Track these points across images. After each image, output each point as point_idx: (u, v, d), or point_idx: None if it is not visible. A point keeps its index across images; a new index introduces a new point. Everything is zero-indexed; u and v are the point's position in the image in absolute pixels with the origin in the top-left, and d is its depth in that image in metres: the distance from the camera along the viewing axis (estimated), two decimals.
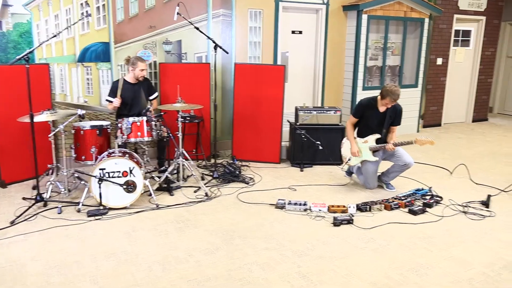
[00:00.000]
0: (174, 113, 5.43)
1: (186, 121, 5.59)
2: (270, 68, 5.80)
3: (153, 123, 4.53)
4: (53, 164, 4.53)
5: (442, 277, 3.11)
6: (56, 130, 4.34)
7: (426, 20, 7.75)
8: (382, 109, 4.74)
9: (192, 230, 3.81)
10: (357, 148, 4.83)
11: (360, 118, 4.86)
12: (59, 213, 4.06)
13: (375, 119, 4.80)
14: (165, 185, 4.69)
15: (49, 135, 4.35)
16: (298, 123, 5.88)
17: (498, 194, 4.87)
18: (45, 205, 4.22)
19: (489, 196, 4.66)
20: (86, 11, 5.28)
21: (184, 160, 4.85)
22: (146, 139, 4.49)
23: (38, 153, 5.03)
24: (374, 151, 4.85)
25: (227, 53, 5.34)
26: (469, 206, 4.46)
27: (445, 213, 4.29)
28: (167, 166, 5.12)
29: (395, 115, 4.80)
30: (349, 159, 4.98)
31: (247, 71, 5.81)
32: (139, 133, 4.46)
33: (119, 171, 4.14)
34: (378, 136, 4.83)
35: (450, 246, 3.60)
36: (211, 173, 5.24)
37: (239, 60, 6.32)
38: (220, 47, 5.09)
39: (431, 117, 8.73)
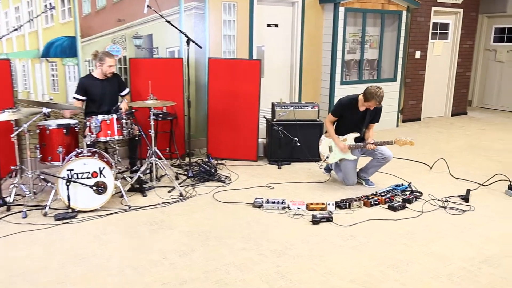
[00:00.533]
0: (146, 111, 5.39)
1: (159, 119, 5.55)
2: (245, 63, 5.81)
3: (124, 121, 4.48)
4: (17, 165, 4.43)
5: (422, 273, 3.18)
6: (20, 130, 4.25)
7: (404, 13, 7.89)
8: (362, 108, 4.81)
9: (167, 231, 3.79)
10: (343, 144, 4.88)
11: (339, 117, 4.93)
12: (24, 218, 3.98)
13: (355, 119, 4.87)
14: (138, 186, 4.65)
15: (12, 135, 4.25)
16: (275, 119, 5.91)
17: (477, 188, 5.00)
18: (8, 209, 4.13)
19: (468, 190, 4.77)
20: (50, 3, 5.18)
21: (157, 159, 4.82)
22: (116, 137, 4.44)
23: (0, 154, 4.91)
24: (353, 149, 4.92)
25: (200, 47, 5.32)
26: (449, 201, 4.57)
27: (425, 208, 4.38)
28: (139, 166, 5.08)
29: (375, 113, 4.88)
30: (327, 157, 5.03)
31: (221, 66, 5.81)
32: (109, 132, 4.41)
33: (89, 172, 4.08)
34: (357, 134, 4.91)
35: (430, 241, 3.69)
36: (186, 173, 5.23)
37: (213, 54, 6.31)
38: (193, 41, 5.06)
39: (410, 112, 8.89)
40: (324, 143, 5.08)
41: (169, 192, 4.70)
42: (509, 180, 5.00)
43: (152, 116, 4.72)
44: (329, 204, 4.31)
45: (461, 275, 3.17)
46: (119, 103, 4.55)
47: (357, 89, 7.53)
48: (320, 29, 7.33)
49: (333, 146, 4.98)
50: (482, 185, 5.10)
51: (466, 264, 3.33)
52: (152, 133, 4.73)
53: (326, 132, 5.06)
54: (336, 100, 7.31)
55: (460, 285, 3.03)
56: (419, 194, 4.70)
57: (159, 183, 4.94)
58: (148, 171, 4.96)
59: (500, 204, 4.56)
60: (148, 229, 3.83)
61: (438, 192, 4.83)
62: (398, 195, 4.66)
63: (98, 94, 4.93)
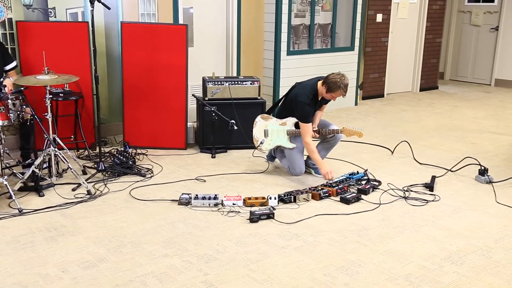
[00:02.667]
0: (42, 89, 5.25)
1: (59, 99, 5.44)
2: (168, 29, 5.77)
3: (10, 102, 4.36)
4: None
5: (375, 275, 3.34)
6: None
7: None
8: (320, 97, 4.94)
9: (69, 239, 3.75)
10: (329, 168, 4.86)
11: (287, 104, 5.03)
12: None
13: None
14: (32, 184, 4.57)
15: None
16: (206, 98, 5.93)
17: (445, 174, 5.27)
18: None
19: (433, 177, 5.03)
20: None
21: (58, 150, 4.73)
22: (0, 123, 4.32)
23: None
24: (293, 136, 5.05)
25: (109, 8, 5.22)
26: (411, 190, 4.79)
27: (383, 199, 4.58)
28: (34, 158, 4.96)
29: None
30: (261, 143, 5.14)
31: (138, 32, 5.75)
32: None
33: None
34: None
35: (387, 238, 3.86)
36: (96, 165, 5.17)
37: (127, 18, 6.22)
38: (99, 1, 4.98)
39: (371, 87, 9.18)
40: (259, 125, 5.16)
41: (73, 190, 4.66)
42: (480, 164, 5.29)
43: (48, 96, 4.62)
44: (270, 198, 4.40)
45: (420, 275, 3.35)
46: (1, 79, 4.42)
47: (307, 61, 7.69)
48: None
49: (270, 130, 5.08)
50: (450, 170, 5.37)
51: (427, 262, 3.52)
52: (49, 116, 4.63)
53: (265, 112, 5.15)
54: (282, 74, 7.42)
55: (418, 287, 3.21)
56: (376, 184, 4.89)
57: (61, 179, 4.87)
58: (45, 165, 4.86)
59: (468, 192, 4.83)
60: (45, 237, 3.78)
61: (399, 181, 5.05)
62: (353, 185, 4.83)
63: None
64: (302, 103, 4.85)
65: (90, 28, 5.18)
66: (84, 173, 5.10)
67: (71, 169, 4.74)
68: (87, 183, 4.74)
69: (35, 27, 5.56)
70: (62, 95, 5.44)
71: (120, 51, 5.95)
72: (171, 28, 5.79)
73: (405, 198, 4.62)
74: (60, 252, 3.56)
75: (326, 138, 5.06)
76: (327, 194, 4.59)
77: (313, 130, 4.91)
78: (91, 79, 5.67)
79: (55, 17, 5.77)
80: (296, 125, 5.04)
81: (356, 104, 8.65)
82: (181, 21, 6.66)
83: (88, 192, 4.58)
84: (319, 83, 4.85)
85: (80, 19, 5.92)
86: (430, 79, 10.20)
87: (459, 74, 11.27)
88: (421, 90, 10.04)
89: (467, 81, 11.11)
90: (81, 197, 4.51)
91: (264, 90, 7.41)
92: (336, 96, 4.78)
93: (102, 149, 5.40)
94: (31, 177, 4.57)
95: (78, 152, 5.73)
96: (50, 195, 4.54)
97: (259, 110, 5.92)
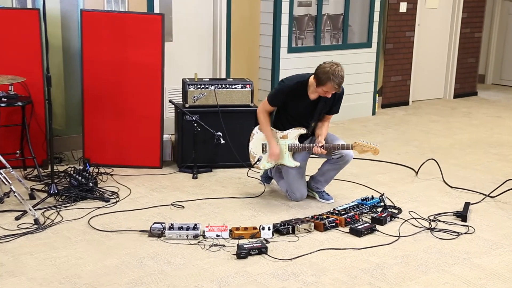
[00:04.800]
0: None
1: (2, 105, 5.44)
2: (141, 19, 5.79)
3: None
4: None
5: None
6: None
7: None
8: (314, 96, 4.92)
9: (7, 280, 3.71)
10: (278, 147, 4.98)
11: (279, 106, 5.03)
12: None
13: (301, 110, 4.99)
14: None
15: None
16: (187, 105, 5.92)
17: (481, 201, 5.25)
18: None
19: (467, 204, 5.00)
20: None
21: None
22: None
23: None
24: (295, 152, 5.04)
25: None
26: (438, 220, 4.76)
27: (403, 231, 4.54)
28: None
29: (332, 101, 5.01)
30: (258, 160, 5.11)
31: (103, 22, 5.76)
32: None
33: None
34: (302, 131, 5.03)
35: (406, 279, 3.83)
36: (47, 188, 5.15)
37: (90, 5, 6.24)
38: None
39: (393, 92, 9.19)
40: (256, 139, 5.15)
41: (16, 219, 4.62)
42: None
43: None
44: (263, 229, 4.37)
45: None
46: None
47: (313, 60, 7.66)
48: None
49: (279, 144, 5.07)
50: (489, 196, 5.35)
51: None
52: None
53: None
54: (281, 76, 7.38)
55: None
56: (396, 212, 4.87)
57: (2, 205, 4.84)
58: None
59: (511, 224, 4.80)
60: None
61: (423, 208, 5.02)
62: (366, 213, 4.80)
63: None
64: (281, 83, 4.97)
65: (42, 17, 5.19)
66: (32, 197, 5.06)
67: (14, 192, 4.73)
68: (35, 210, 4.70)
69: None
70: (5, 100, 5.45)
71: (80, 46, 5.96)
72: (143, 18, 5.80)
73: (431, 229, 4.59)
74: None
75: (333, 158, 5.03)
76: (333, 224, 4.55)
77: (320, 146, 4.89)
78: (43, 80, 5.67)
79: None
80: (300, 139, 5.03)
81: (373, 113, 8.66)
82: (156, 10, 6.68)
83: (36, 222, 4.54)
84: (312, 77, 4.87)
85: (29, 5, 5.92)
86: (467, 83, 10.21)
87: (504, 77, 11.28)
88: (455, 96, 10.05)
89: None
90: (26, 228, 4.46)
91: (259, 96, 7.41)
92: (328, 90, 4.75)
93: (55, 167, 5.38)
94: None
95: (25, 172, 5.70)
96: None
97: (252, 120, 5.90)
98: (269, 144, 5.03)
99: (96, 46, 5.78)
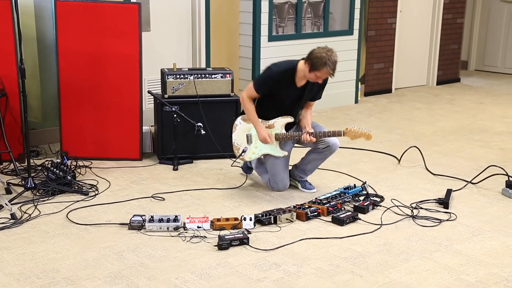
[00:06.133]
0: None
1: None
2: (117, 8, 5.79)
3: None
4: None
5: None
6: None
7: None
8: (302, 83, 4.94)
9: None
10: (266, 131, 5.00)
11: (265, 95, 5.04)
12: None
13: (288, 98, 5.01)
14: None
15: None
16: (166, 95, 5.94)
17: (464, 187, 5.33)
18: None
19: (449, 191, 5.07)
20: None
21: None
22: None
23: None
24: (282, 141, 5.07)
25: None
26: (420, 208, 4.83)
27: (385, 219, 4.60)
28: None
29: (318, 88, 5.05)
30: (243, 151, 5.13)
31: (78, 12, 5.75)
32: None
33: None
34: (289, 119, 5.05)
35: (388, 267, 3.88)
36: (23, 182, 5.15)
37: None
38: None
39: (376, 80, 9.25)
40: (240, 129, 5.17)
41: None
42: (508, 175, 5.35)
43: None
44: (245, 219, 4.41)
45: None
46: None
47: (294, 48, 7.71)
48: None
49: (254, 135, 5.09)
50: (470, 182, 5.43)
51: None
52: None
53: (243, 112, 5.16)
54: (262, 64, 7.43)
55: None
56: (378, 200, 4.93)
57: None
58: None
59: (493, 210, 4.88)
60: None
61: (406, 196, 5.09)
62: (348, 201, 4.86)
63: None
64: (268, 69, 4.97)
65: (14, 7, 5.17)
66: (8, 192, 5.05)
67: None
68: (11, 204, 4.69)
69: None
70: None
71: (55, 37, 5.94)
72: (120, 7, 5.80)
73: (413, 217, 4.65)
74: None
75: (319, 148, 5.08)
76: (315, 213, 4.60)
77: (309, 133, 4.92)
78: (17, 72, 5.65)
79: None
80: (286, 127, 5.06)
81: (356, 101, 8.72)
82: None
83: (12, 216, 4.53)
84: (302, 61, 4.87)
85: None
86: (450, 69, 10.28)
87: (487, 63, 11.35)
88: (438, 83, 10.13)
89: (496, 72, 11.21)
90: (2, 223, 4.46)
91: (240, 85, 7.43)
92: (322, 76, 4.77)
93: (32, 161, 5.38)
94: None
95: (1, 166, 5.68)
96: None
97: (233, 110, 5.95)
98: (258, 130, 5.02)
99: (71, 36, 5.78)
